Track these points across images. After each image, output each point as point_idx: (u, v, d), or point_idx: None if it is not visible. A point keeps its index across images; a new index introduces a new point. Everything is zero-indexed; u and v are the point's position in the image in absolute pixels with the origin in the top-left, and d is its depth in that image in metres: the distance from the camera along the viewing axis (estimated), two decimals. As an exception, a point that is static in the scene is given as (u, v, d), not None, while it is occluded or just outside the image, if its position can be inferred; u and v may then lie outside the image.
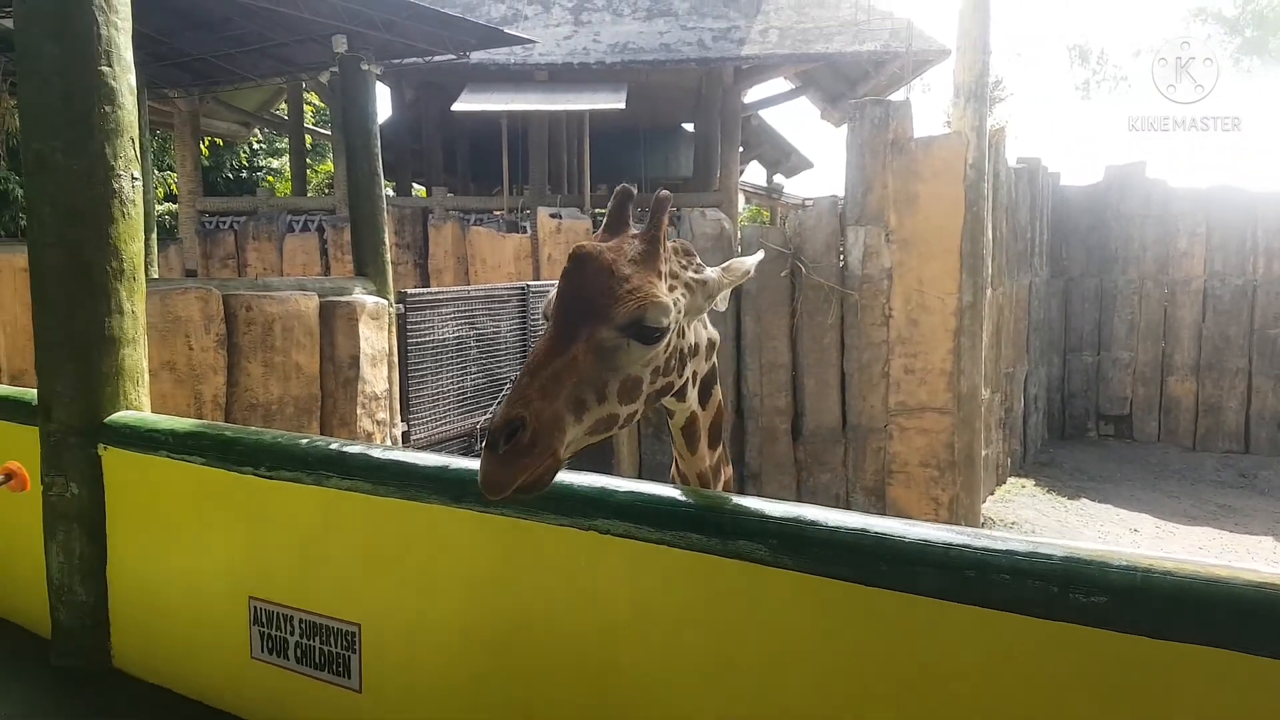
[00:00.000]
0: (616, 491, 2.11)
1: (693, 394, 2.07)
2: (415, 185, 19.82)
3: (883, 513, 10.23)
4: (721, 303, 2.11)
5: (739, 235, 11.44)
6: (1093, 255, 15.66)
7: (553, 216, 12.31)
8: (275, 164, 25.44)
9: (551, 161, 15.18)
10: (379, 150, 7.91)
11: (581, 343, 1.75)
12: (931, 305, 10.27)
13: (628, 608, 2.10)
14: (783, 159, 22.05)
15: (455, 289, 9.77)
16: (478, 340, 8.48)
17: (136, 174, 3.15)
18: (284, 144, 23.35)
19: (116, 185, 3.05)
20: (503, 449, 1.60)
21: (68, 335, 3.06)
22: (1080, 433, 15.90)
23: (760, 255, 2.19)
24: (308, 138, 20.05)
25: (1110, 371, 15.62)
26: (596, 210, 13.24)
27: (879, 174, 10.43)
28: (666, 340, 1.84)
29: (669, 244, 1.94)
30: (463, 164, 19.07)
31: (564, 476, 2.21)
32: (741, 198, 17.18)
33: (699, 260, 2.04)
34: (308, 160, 20.77)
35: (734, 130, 15.95)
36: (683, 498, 2.05)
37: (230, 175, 23.24)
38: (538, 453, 1.63)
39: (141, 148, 3.30)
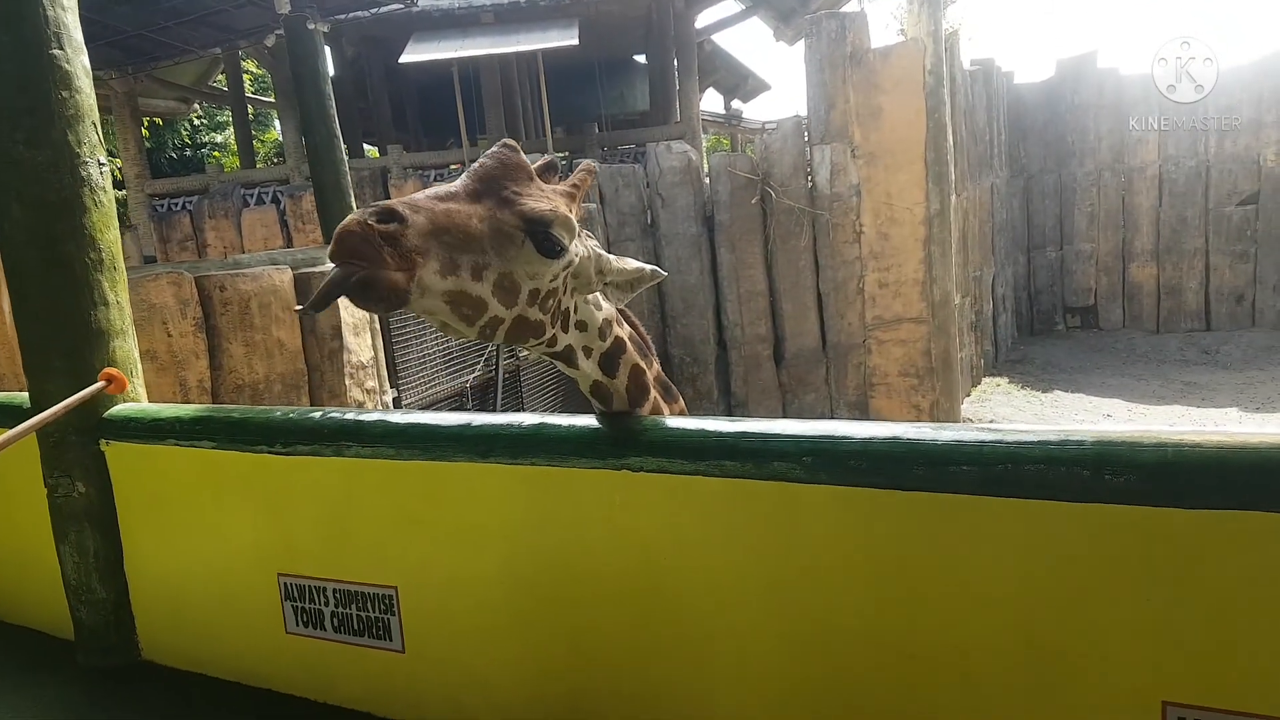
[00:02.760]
0: (646, 429, 2.08)
1: (587, 364, 2.04)
2: (366, 145, 19.34)
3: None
4: (619, 295, 2.06)
5: (706, 167, 11.32)
6: (1050, 151, 15.83)
7: (516, 165, 12.02)
8: (219, 138, 24.77)
9: (507, 108, 14.81)
10: (335, 113, 7.67)
11: (485, 208, 1.71)
12: (900, 217, 10.35)
13: (667, 539, 2.10)
14: (740, 83, 21.67)
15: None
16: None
17: (103, 159, 3.03)
18: (225, 117, 22.67)
19: (85, 173, 2.93)
20: (368, 219, 1.53)
21: (53, 334, 2.96)
22: (1049, 327, 16.28)
23: (661, 274, 2.11)
24: (249, 107, 19.44)
25: (1073, 265, 15.94)
26: (559, 155, 12.98)
27: (840, 89, 10.35)
28: (555, 271, 1.80)
29: None
30: (413, 119, 18.60)
31: (591, 420, 2.18)
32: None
33: (596, 242, 2.01)
34: (252, 130, 20.22)
35: (690, 58, 15.63)
36: (713, 428, 2.02)
37: (174, 154, 22.62)
38: (394, 251, 1.54)
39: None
